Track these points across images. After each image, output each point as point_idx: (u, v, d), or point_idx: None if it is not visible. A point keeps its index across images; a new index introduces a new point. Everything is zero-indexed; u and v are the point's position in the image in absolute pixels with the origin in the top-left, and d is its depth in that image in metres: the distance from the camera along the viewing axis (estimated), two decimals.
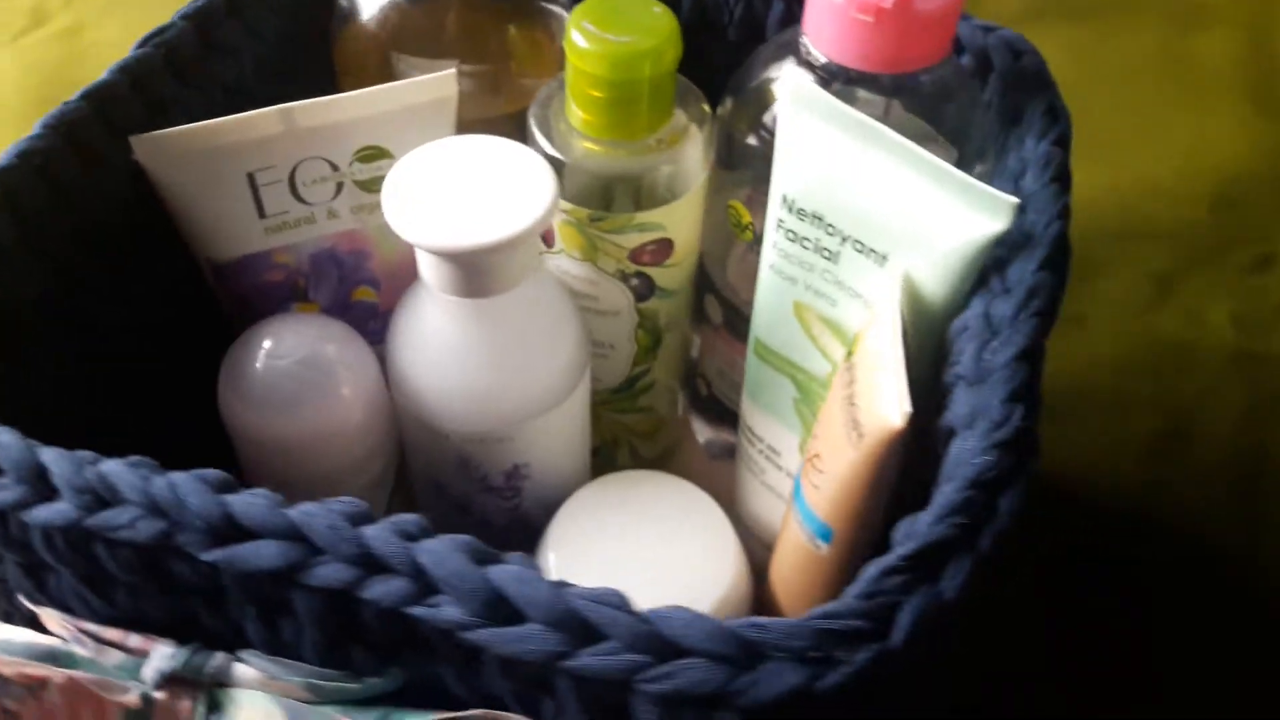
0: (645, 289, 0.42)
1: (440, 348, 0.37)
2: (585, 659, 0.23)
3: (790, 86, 0.34)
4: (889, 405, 0.30)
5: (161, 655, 0.27)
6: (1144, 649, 0.47)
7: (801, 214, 0.35)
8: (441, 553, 0.24)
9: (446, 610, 0.23)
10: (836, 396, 0.34)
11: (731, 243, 0.42)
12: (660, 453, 0.50)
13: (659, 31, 0.36)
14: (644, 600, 0.26)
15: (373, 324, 0.42)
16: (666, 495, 0.40)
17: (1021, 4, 0.68)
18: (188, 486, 0.25)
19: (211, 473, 0.26)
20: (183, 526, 0.25)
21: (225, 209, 0.38)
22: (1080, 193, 0.61)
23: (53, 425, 0.29)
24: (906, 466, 0.32)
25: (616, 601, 0.23)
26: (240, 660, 0.27)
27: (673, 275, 0.42)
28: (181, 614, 0.27)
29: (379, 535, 0.24)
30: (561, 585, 0.23)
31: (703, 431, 0.51)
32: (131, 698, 0.26)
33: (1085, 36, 0.66)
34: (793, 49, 0.37)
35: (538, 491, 0.41)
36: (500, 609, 0.23)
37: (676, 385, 0.49)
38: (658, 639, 0.22)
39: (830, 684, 0.22)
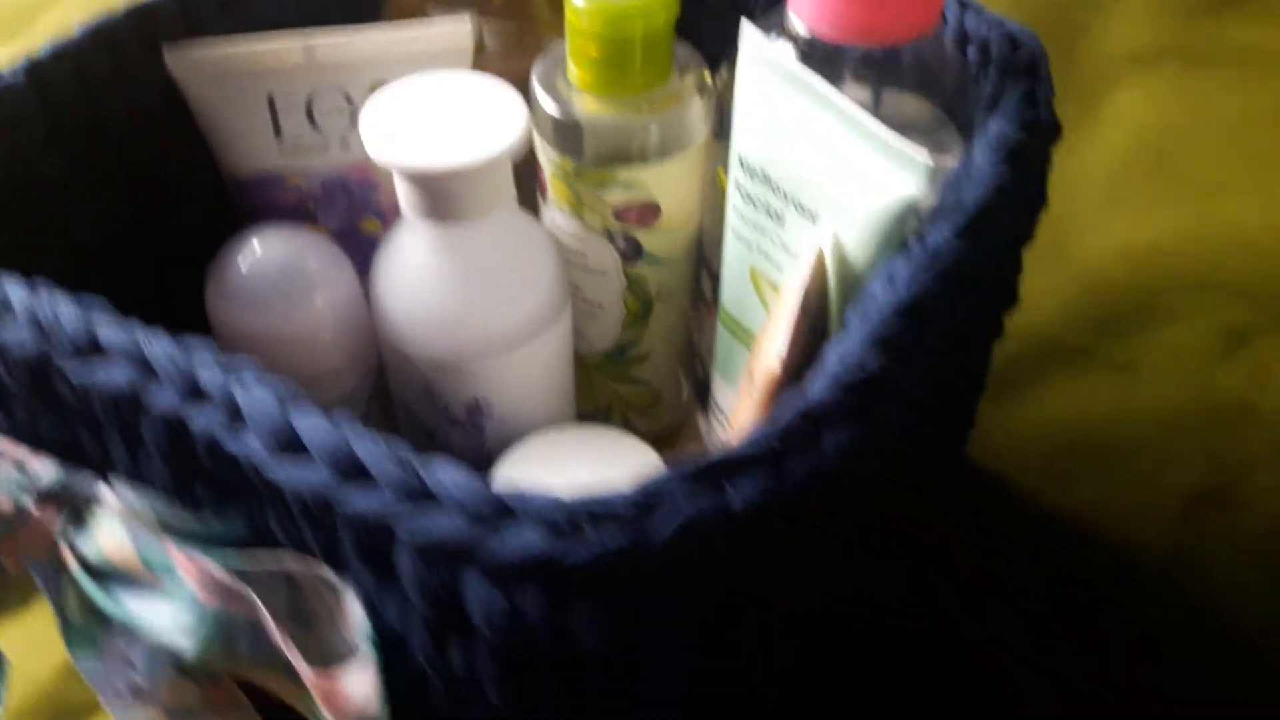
0: (632, 251, 0.43)
1: (406, 270, 0.39)
2: (351, 497, 0.23)
3: (748, 45, 0.34)
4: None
5: (42, 470, 0.29)
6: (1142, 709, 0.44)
7: (753, 173, 0.35)
8: (254, 388, 0.25)
9: (249, 441, 0.25)
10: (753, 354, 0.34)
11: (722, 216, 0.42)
12: (658, 431, 0.50)
13: None
14: None
15: (375, 255, 0.44)
16: (618, 449, 0.41)
17: (1138, 47, 0.65)
18: (66, 309, 0.27)
19: (95, 300, 0.28)
20: (58, 345, 0.27)
21: (245, 126, 0.41)
22: (1159, 239, 0.58)
23: None
24: None
25: (391, 450, 0.24)
26: (108, 486, 0.29)
27: (662, 242, 0.43)
28: (69, 438, 0.29)
29: (206, 367, 0.26)
30: (348, 428, 0.24)
31: (705, 426, 0.51)
32: (6, 504, 0.29)
33: (1202, 85, 0.63)
34: (779, 21, 0.37)
35: (502, 432, 0.42)
36: (291, 445, 0.24)
37: (678, 366, 0.49)
38: (419, 487, 0.23)
39: (576, 558, 0.22)
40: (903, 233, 0.31)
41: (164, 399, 0.26)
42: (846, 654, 0.30)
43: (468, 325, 0.39)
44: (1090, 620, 0.46)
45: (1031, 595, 0.47)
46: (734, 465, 0.24)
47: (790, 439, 0.25)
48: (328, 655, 0.27)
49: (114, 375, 0.26)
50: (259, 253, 0.39)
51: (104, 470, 0.29)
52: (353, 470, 0.24)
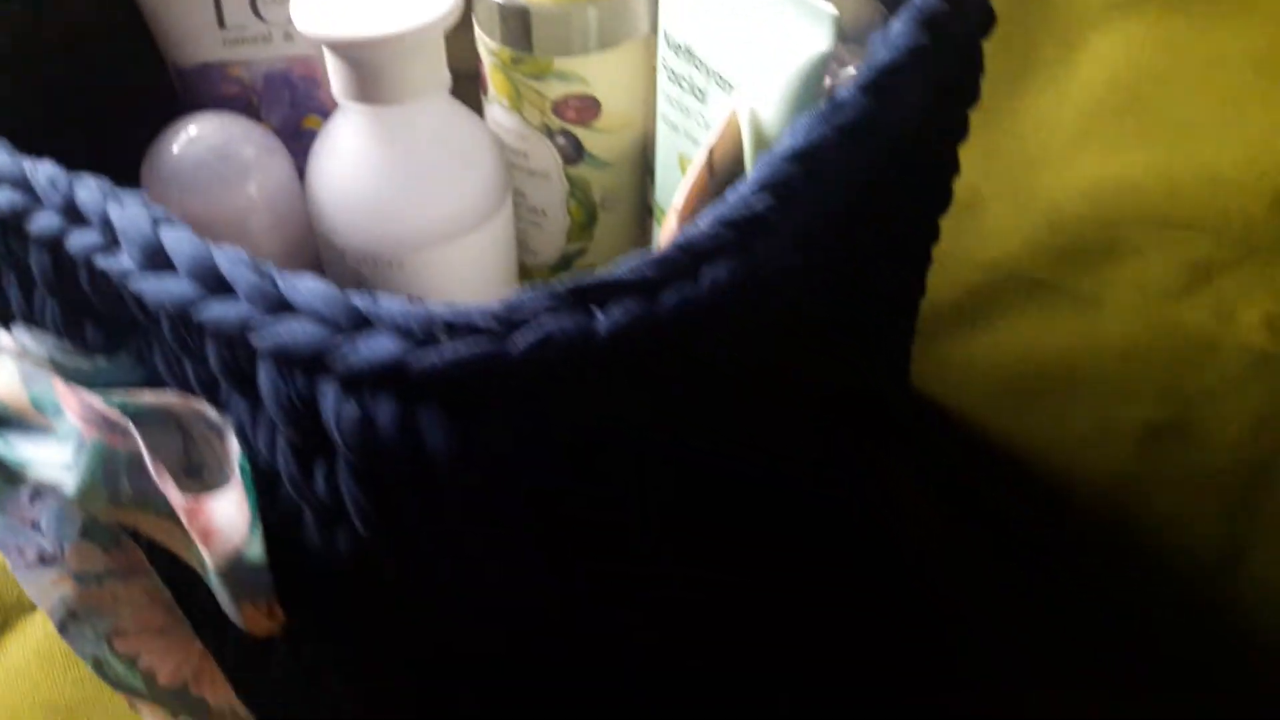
0: (573, 150, 0.42)
1: (338, 157, 0.39)
2: (210, 307, 0.23)
3: None
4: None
5: None
6: (1090, 639, 0.43)
7: (677, 49, 0.35)
8: (129, 207, 0.25)
9: (121, 258, 0.25)
10: None
11: None
12: None
13: None
14: None
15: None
16: None
17: None
18: None
19: None
20: None
21: (188, 14, 0.41)
22: (1127, 175, 0.57)
23: None
24: None
25: (252, 262, 0.24)
26: (5, 329, 0.29)
27: (605, 143, 0.42)
28: None
29: (85, 189, 0.26)
30: (213, 245, 0.24)
31: None
32: None
33: (1182, 27, 0.61)
34: None
35: None
36: (159, 260, 0.24)
37: None
38: (275, 296, 0.23)
39: (425, 365, 0.22)
40: (815, 95, 0.31)
41: (45, 220, 0.26)
42: (741, 500, 0.29)
43: (399, 214, 0.39)
44: (1041, 553, 0.45)
45: (981, 526, 0.46)
46: (605, 289, 0.24)
47: (666, 268, 0.24)
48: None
49: None
50: (193, 135, 0.39)
51: (3, 317, 0.29)
52: (215, 283, 0.23)
